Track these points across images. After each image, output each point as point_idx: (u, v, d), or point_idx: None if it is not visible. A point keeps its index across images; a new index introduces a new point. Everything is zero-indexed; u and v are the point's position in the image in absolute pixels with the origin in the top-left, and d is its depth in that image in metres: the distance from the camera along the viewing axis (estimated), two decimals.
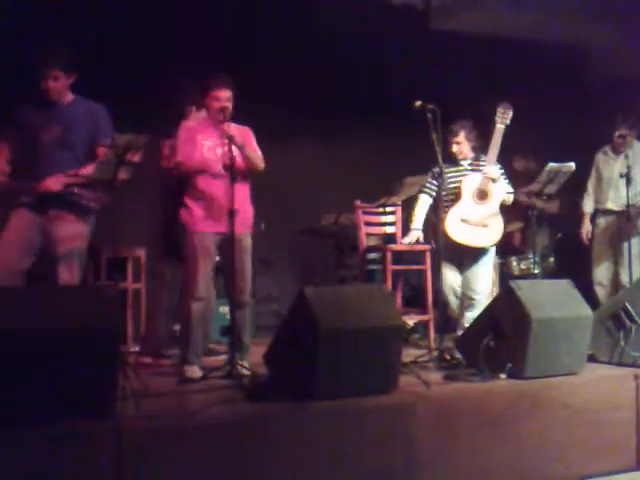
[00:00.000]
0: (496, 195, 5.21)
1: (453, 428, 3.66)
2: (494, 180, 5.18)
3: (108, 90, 5.31)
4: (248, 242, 4.38)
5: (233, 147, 4.15)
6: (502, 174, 5.29)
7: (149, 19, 5.49)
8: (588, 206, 6.24)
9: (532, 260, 6.00)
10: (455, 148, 5.29)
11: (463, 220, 5.12)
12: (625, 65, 6.53)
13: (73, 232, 4.11)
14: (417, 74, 6.24)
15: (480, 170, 5.21)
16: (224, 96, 4.30)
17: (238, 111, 4.23)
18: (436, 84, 6.08)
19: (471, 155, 5.34)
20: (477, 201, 5.17)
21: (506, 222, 6.15)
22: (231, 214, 4.09)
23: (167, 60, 5.12)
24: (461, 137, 5.29)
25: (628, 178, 5.72)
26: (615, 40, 6.57)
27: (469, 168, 5.31)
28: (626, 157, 5.78)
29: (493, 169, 5.18)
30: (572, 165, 5.40)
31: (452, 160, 5.28)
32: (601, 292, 6.04)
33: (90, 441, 3.04)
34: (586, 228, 6.23)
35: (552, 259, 6.54)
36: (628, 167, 5.72)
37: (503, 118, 5.15)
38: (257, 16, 5.69)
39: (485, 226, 5.15)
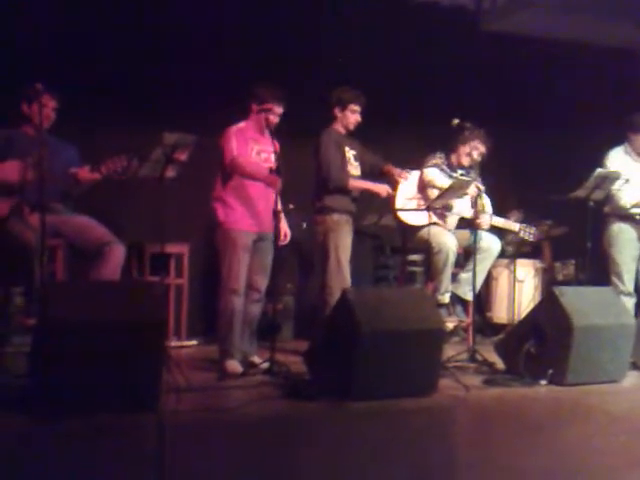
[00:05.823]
0: None
1: (492, 432, 3.66)
2: None
3: (160, 89, 5.45)
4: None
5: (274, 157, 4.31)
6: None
7: (206, 19, 5.60)
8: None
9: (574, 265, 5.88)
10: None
11: None
12: None
13: None
14: (467, 77, 6.20)
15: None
16: (279, 112, 4.41)
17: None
18: (486, 88, 6.05)
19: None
20: None
21: (551, 227, 6.07)
22: (276, 215, 4.25)
23: (226, 64, 5.30)
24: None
25: None
26: None
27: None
28: None
29: None
30: (620, 172, 5.31)
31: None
32: (630, 303, 5.39)
33: (133, 433, 3.11)
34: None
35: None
36: None
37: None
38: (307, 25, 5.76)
39: None
